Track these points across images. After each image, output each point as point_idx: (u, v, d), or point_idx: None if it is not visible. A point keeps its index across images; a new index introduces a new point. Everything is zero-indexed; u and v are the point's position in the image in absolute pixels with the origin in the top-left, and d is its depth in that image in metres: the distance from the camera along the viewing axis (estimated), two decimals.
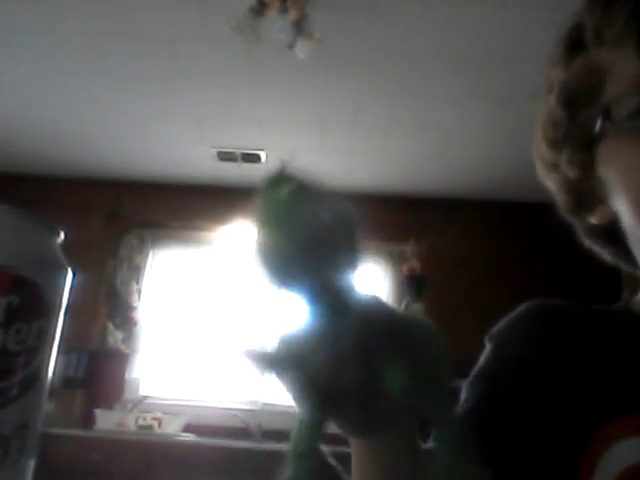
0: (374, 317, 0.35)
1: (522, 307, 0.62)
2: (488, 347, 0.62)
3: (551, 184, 0.62)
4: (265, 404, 4.00)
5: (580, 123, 0.56)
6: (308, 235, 0.33)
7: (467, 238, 4.05)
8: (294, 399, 0.37)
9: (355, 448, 0.44)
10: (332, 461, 0.37)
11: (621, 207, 0.54)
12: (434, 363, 0.35)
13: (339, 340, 0.34)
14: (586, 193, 0.58)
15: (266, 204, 0.34)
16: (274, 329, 0.39)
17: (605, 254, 0.62)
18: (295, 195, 0.33)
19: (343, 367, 0.34)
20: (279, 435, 3.76)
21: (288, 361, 0.36)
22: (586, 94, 0.55)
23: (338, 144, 3.73)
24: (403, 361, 0.33)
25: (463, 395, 0.59)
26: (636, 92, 0.49)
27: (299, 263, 0.33)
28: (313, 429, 0.35)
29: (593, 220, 0.59)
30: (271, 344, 0.37)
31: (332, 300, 0.34)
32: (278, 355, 0.36)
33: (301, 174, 0.34)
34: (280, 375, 0.36)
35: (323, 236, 0.33)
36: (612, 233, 0.57)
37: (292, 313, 0.37)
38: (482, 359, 0.61)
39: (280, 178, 0.34)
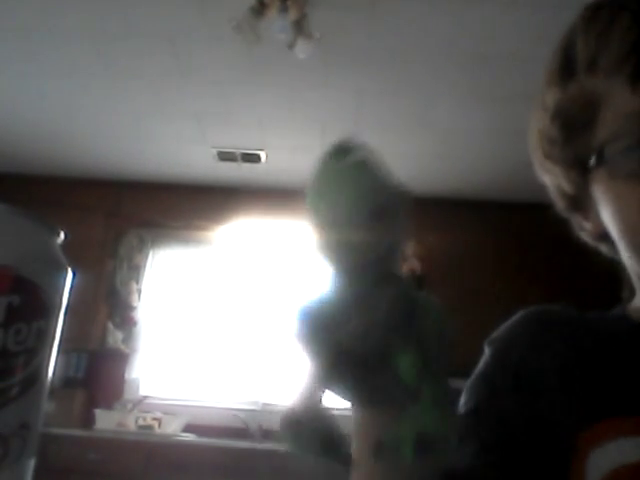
0: (405, 294, 0.36)
1: (521, 313, 0.63)
2: (487, 351, 0.62)
3: (547, 183, 0.63)
4: (265, 404, 4.00)
5: (575, 148, 0.57)
6: (368, 205, 0.34)
7: (467, 238, 4.05)
8: (308, 357, 0.37)
9: (355, 414, 0.45)
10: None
11: (611, 232, 0.56)
12: (442, 346, 0.36)
13: (372, 310, 0.35)
14: (581, 203, 0.60)
15: (330, 172, 0.35)
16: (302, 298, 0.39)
17: (601, 248, 0.63)
18: (359, 165, 0.35)
19: (369, 336, 0.35)
20: (279, 435, 3.76)
21: (319, 321, 0.36)
22: (581, 121, 0.56)
23: None
24: (418, 347, 0.34)
25: (463, 398, 0.60)
26: (627, 133, 0.50)
27: (356, 232, 0.34)
28: (317, 391, 0.36)
29: (587, 226, 0.61)
30: (304, 302, 0.38)
31: (375, 270, 0.35)
32: (311, 314, 0.37)
33: (363, 148, 0.36)
34: (305, 335, 0.37)
35: (382, 208, 0.35)
36: (607, 234, 0.58)
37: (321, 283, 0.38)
38: (481, 363, 0.62)
39: (344, 149, 0.36)
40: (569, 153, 0.58)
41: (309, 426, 0.37)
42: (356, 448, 0.39)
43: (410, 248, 4.05)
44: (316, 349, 0.36)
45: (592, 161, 0.54)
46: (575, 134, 0.57)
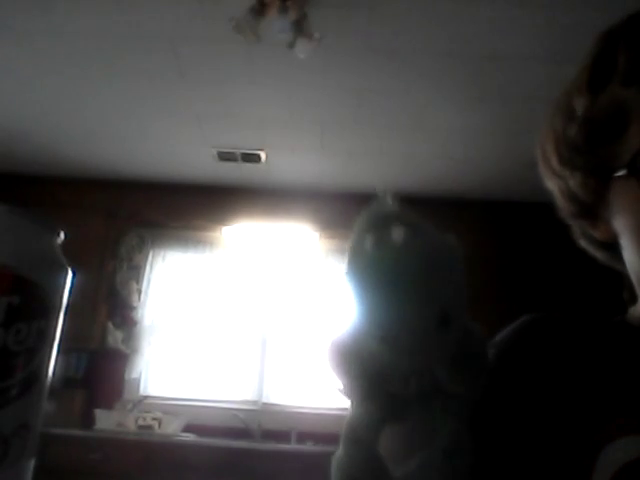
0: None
1: (523, 319, 0.64)
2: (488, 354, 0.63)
3: (554, 189, 0.64)
4: (265, 404, 4.00)
5: (600, 157, 0.57)
6: (435, 312, 0.32)
7: (466, 238, 4.03)
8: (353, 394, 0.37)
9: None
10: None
11: (625, 239, 0.56)
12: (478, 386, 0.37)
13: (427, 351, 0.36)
14: (591, 210, 0.60)
15: (382, 261, 0.32)
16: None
17: (599, 256, 0.64)
18: (414, 251, 0.32)
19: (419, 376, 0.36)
20: (279, 435, 3.76)
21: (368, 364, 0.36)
22: (610, 131, 0.56)
23: (338, 144, 3.73)
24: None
25: None
26: None
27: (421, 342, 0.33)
28: (377, 421, 0.36)
29: (595, 234, 0.61)
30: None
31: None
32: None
33: (403, 215, 0.33)
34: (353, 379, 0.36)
35: (448, 310, 0.33)
36: (610, 243, 0.59)
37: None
38: None
39: (385, 220, 0.33)
40: (592, 161, 0.58)
41: None
42: None
43: None
44: (366, 393, 0.36)
45: (623, 171, 0.54)
46: (602, 143, 0.57)
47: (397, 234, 0.32)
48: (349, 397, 0.38)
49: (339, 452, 0.38)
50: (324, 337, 0.38)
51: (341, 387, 0.38)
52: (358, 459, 0.36)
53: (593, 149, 0.58)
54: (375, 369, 0.35)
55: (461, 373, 0.35)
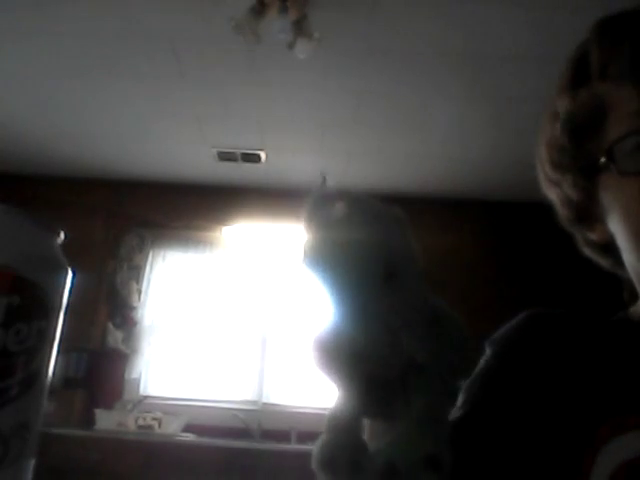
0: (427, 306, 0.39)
1: (523, 315, 0.64)
2: (489, 352, 0.63)
3: (553, 197, 0.65)
4: (265, 404, 4.00)
5: (585, 153, 0.59)
6: (379, 270, 0.34)
7: (466, 238, 4.05)
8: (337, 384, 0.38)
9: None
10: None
11: (619, 237, 0.57)
12: (461, 359, 0.38)
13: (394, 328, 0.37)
14: (587, 212, 0.61)
15: (329, 237, 0.34)
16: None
17: (603, 263, 0.64)
18: (357, 223, 0.34)
19: (394, 358, 0.36)
20: (279, 435, 3.76)
21: (343, 350, 0.37)
22: (590, 127, 0.58)
23: (338, 144, 3.73)
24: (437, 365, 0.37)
25: (462, 397, 0.60)
26: (635, 131, 0.52)
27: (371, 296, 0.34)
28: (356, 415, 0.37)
29: (593, 237, 0.62)
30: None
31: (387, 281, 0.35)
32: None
33: (344, 193, 0.36)
34: (332, 366, 0.38)
35: (393, 264, 0.35)
36: (610, 247, 0.59)
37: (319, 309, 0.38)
38: (482, 363, 0.62)
39: (329, 199, 0.35)
40: (579, 159, 0.59)
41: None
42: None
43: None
44: (347, 380, 0.37)
45: (602, 161, 0.55)
46: (585, 139, 0.59)
47: (337, 210, 0.35)
48: (335, 388, 0.39)
49: (321, 438, 0.39)
50: (307, 334, 0.40)
51: (328, 380, 0.39)
52: (337, 441, 0.37)
53: (577, 146, 0.59)
54: (353, 352, 0.37)
55: (427, 340, 0.36)
